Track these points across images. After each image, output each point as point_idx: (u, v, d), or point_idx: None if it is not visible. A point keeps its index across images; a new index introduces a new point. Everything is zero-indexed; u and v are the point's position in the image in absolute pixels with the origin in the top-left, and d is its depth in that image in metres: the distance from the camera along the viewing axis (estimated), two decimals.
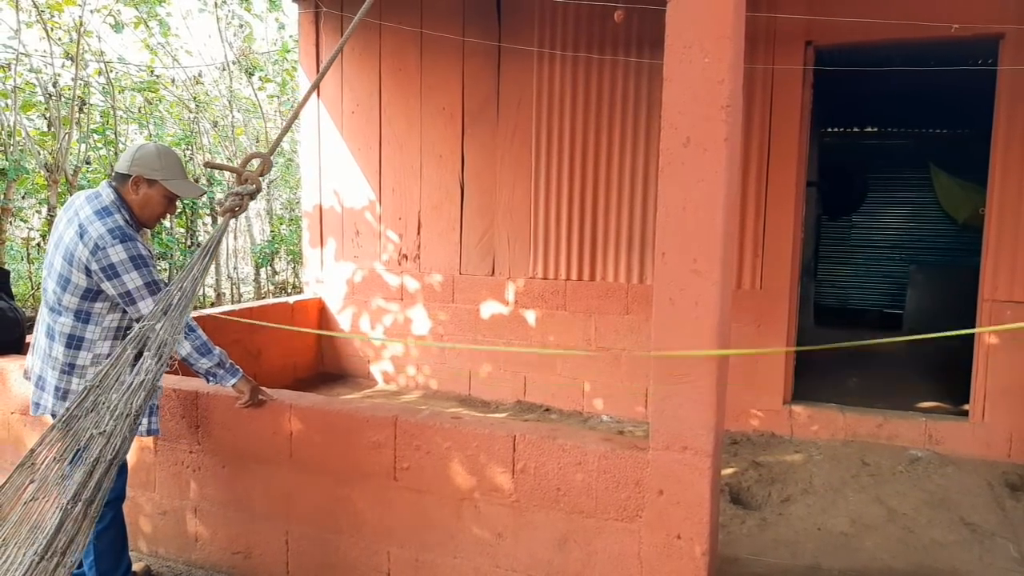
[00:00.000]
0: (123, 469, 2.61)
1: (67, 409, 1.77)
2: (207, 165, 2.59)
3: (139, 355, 1.92)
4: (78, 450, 1.72)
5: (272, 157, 2.20)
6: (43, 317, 2.51)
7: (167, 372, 2.53)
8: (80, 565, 2.60)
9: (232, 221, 2.13)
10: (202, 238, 9.06)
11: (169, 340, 1.85)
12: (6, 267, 6.32)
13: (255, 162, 2.06)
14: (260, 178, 2.05)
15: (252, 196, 2.04)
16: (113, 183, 2.48)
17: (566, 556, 2.38)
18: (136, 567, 2.84)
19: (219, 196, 2.25)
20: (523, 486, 2.41)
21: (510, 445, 2.41)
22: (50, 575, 1.54)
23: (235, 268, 10.22)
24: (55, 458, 1.72)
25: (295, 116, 2.20)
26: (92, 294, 2.40)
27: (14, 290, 3.79)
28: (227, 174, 8.26)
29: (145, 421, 2.52)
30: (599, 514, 2.31)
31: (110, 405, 1.76)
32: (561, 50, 5.14)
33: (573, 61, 5.11)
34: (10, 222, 6.86)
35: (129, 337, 1.86)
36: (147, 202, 2.48)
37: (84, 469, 1.68)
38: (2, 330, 3.36)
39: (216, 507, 2.92)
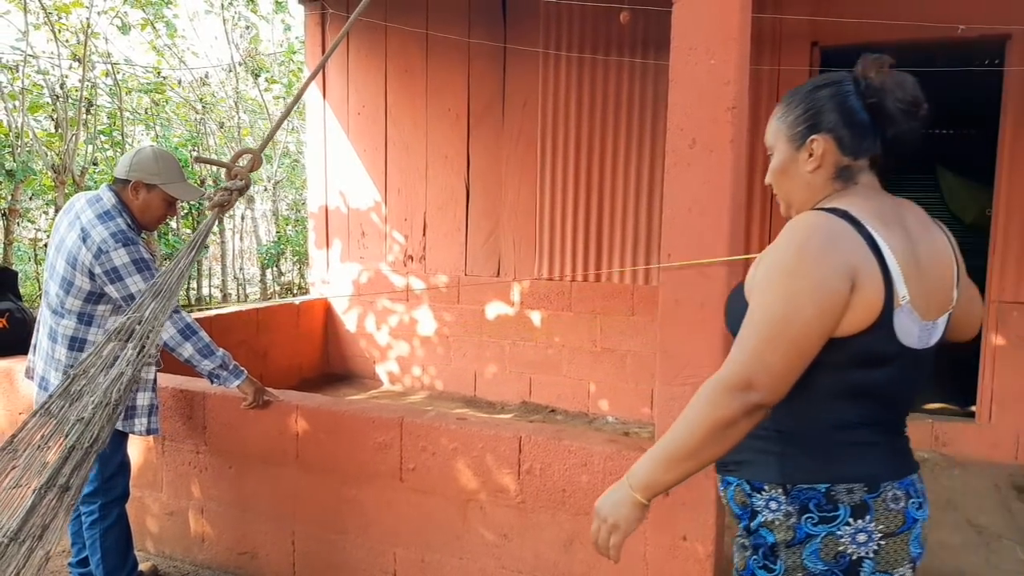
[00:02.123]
0: (126, 468, 2.62)
1: (50, 396, 1.78)
2: (196, 160, 2.59)
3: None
4: (61, 437, 1.71)
5: (263, 154, 2.19)
6: (45, 319, 2.52)
7: (155, 367, 2.55)
8: (86, 564, 2.62)
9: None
10: (208, 238, 9.09)
11: (151, 332, 1.85)
12: (13, 268, 6.35)
13: (245, 158, 2.06)
14: (249, 174, 2.05)
15: (241, 192, 2.05)
16: (114, 187, 2.49)
17: (572, 557, 2.38)
18: (143, 567, 2.85)
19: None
20: (529, 487, 2.41)
21: (516, 446, 2.42)
22: (21, 559, 1.51)
23: (241, 269, 10.26)
24: (37, 445, 1.71)
25: (288, 112, 2.20)
26: (95, 297, 2.42)
27: (21, 290, 3.83)
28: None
29: (144, 420, 2.53)
30: None
31: (92, 394, 1.76)
32: (567, 51, 5.14)
33: (579, 62, 5.11)
34: (17, 223, 6.90)
35: (114, 328, 1.87)
36: (147, 206, 2.50)
37: (61, 455, 1.67)
38: (10, 330, 3.38)
39: (222, 507, 2.93)
